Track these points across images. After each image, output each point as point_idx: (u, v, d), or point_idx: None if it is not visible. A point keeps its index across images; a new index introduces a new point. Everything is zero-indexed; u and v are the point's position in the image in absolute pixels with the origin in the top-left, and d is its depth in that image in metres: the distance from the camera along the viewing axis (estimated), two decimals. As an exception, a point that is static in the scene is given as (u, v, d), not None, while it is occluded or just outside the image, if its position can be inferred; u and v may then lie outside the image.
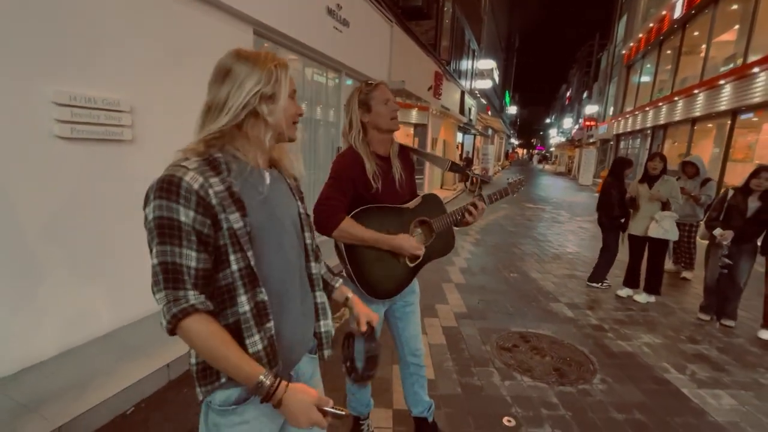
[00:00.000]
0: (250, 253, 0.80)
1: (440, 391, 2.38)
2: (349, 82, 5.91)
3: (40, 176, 2.18)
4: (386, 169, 1.55)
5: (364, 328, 1.07)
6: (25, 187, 2.13)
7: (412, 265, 1.59)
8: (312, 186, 5.09)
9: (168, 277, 0.73)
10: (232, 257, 0.79)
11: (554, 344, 3.05)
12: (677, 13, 13.29)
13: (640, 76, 18.38)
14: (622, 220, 4.22)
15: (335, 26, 4.97)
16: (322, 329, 1.03)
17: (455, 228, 1.73)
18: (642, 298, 4.09)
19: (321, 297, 1.04)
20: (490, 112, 25.45)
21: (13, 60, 2.01)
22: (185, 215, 0.74)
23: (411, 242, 1.50)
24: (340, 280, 1.14)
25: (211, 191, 0.76)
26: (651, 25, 16.06)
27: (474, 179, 14.46)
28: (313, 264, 1.01)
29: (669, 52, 14.94)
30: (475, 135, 21.35)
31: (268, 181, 0.89)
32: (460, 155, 19.84)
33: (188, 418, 2.04)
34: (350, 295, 1.12)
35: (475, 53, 19.26)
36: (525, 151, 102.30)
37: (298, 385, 0.79)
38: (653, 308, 3.92)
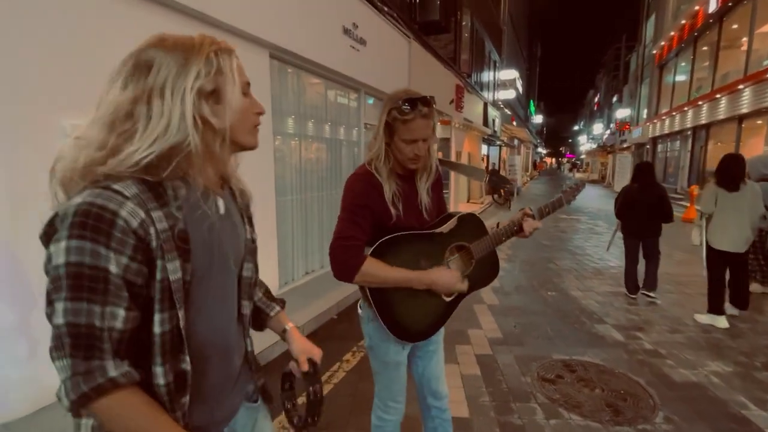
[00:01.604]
0: (181, 313, 0.64)
1: (476, 432, 2.12)
2: (371, 101, 5.87)
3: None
4: (408, 188, 1.36)
5: (305, 366, 0.90)
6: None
7: (449, 299, 1.38)
8: (334, 207, 5.00)
9: (79, 343, 0.55)
10: (156, 317, 0.62)
11: (604, 374, 2.71)
12: (712, 7, 12.61)
13: (674, 76, 17.53)
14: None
15: (352, 45, 4.95)
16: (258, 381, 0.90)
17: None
18: (722, 322, 3.46)
19: (250, 344, 0.88)
20: (515, 123, 24.96)
21: (37, 98, 2.03)
22: (116, 264, 0.56)
23: (450, 276, 1.29)
24: (277, 308, 0.97)
25: (152, 230, 0.59)
26: (683, 21, 15.35)
27: (503, 191, 14.07)
28: (245, 303, 0.83)
29: (705, 48, 14.18)
30: (500, 146, 20.92)
31: (222, 209, 0.74)
32: (486, 167, 19.47)
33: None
34: (288, 326, 0.95)
35: (497, 64, 19.05)
36: (554, 159, 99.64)
37: None
38: (716, 329, 3.46)
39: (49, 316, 0.56)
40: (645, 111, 22.16)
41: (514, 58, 25.63)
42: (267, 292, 0.98)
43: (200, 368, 0.70)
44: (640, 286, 4.24)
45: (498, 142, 19.93)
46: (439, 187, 1.48)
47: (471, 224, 1.44)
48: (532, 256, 6.39)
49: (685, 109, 14.81)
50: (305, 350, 0.92)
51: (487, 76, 17.01)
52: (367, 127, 5.80)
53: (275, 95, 3.86)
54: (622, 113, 29.43)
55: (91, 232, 0.54)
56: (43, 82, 2.09)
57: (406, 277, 1.24)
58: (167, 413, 0.63)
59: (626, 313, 3.86)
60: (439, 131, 10.27)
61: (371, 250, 1.26)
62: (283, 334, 0.95)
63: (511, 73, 21.74)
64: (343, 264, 1.19)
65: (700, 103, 13.37)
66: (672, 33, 16.79)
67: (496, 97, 19.29)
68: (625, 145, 26.65)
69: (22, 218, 2.01)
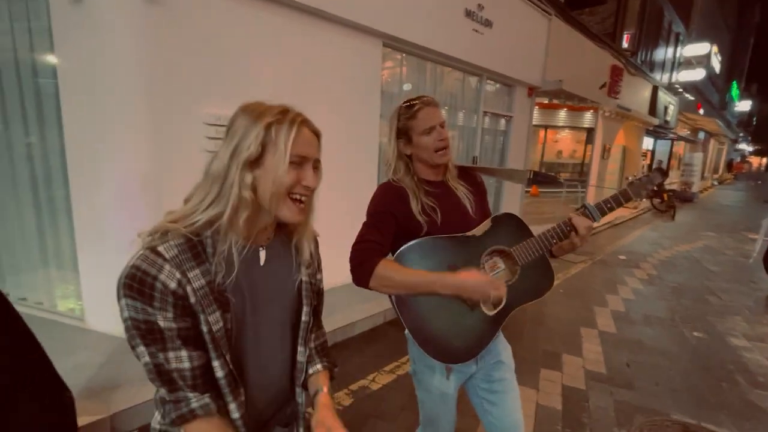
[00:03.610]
0: (228, 357, 0.72)
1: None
2: (491, 86, 5.47)
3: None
4: (445, 194, 1.22)
5: None
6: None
7: (491, 313, 1.15)
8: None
9: (163, 379, 0.67)
10: (215, 363, 0.70)
11: (748, 460, 1.99)
12: None
13: None
14: None
15: (475, 29, 4.64)
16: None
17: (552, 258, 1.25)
18: None
19: (300, 394, 0.88)
20: (701, 111, 19.74)
21: (182, 89, 2.54)
22: (163, 319, 0.65)
23: (480, 278, 1.05)
24: (318, 366, 0.91)
25: (189, 288, 0.67)
26: None
27: (665, 195, 11.41)
28: (301, 349, 0.85)
29: None
30: (673, 140, 16.96)
31: (262, 261, 0.77)
32: (649, 165, 16.10)
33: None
34: (324, 389, 0.86)
35: (680, 37, 15.29)
36: (765, 160, 75.36)
37: None
38: None
39: (138, 357, 0.68)
40: None
41: (711, 29, 20.10)
42: (320, 346, 0.95)
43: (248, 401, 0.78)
44: None
45: (670, 135, 16.18)
46: (481, 193, 1.30)
47: (509, 225, 1.22)
48: (687, 281, 5.06)
49: None
50: (324, 424, 0.79)
51: (663, 53, 13.84)
52: (486, 114, 5.44)
53: (386, 80, 3.94)
54: None
55: (137, 294, 0.64)
56: (189, 80, 2.58)
57: (427, 280, 1.06)
58: None
59: (819, 385, 2.73)
60: (590, 120, 8.79)
61: (395, 255, 1.16)
62: (314, 396, 0.87)
63: (701, 48, 17.14)
64: (359, 267, 1.10)
65: None
66: None
67: (674, 79, 15.60)
68: None
69: (167, 171, 2.49)
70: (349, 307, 3.18)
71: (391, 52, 3.95)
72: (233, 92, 2.74)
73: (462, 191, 1.24)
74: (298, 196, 0.74)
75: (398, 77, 4.25)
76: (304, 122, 0.75)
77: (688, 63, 16.84)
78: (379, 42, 3.71)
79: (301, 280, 0.85)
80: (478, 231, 1.19)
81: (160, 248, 0.66)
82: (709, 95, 22.93)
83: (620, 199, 1.19)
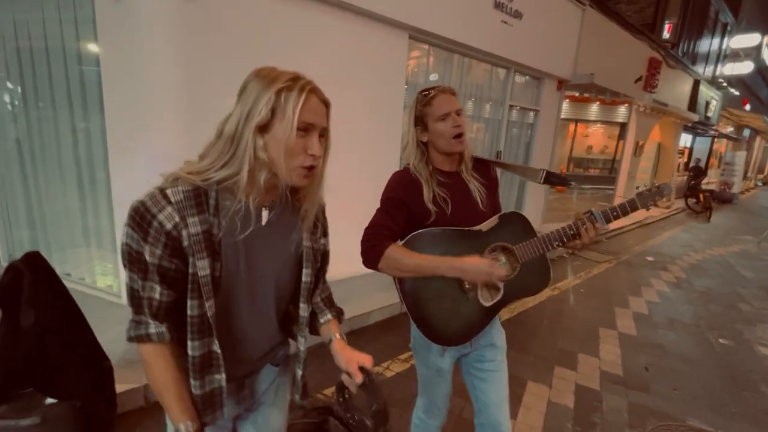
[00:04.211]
0: (208, 303, 0.75)
1: (539, 468, 1.87)
2: (519, 79, 5.35)
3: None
4: (457, 185, 1.26)
5: (359, 377, 0.83)
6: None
7: (487, 304, 1.24)
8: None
9: (133, 301, 0.75)
10: (188, 302, 0.75)
11: (766, 471, 1.95)
12: None
13: None
14: None
15: (504, 20, 4.54)
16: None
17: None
18: None
19: (303, 343, 0.94)
20: (748, 106, 18.54)
21: (215, 81, 2.63)
22: (150, 254, 0.71)
23: (481, 262, 1.12)
24: (329, 316, 0.98)
25: (185, 232, 0.72)
26: None
27: (701, 195, 10.89)
28: (303, 305, 0.90)
29: None
30: (713, 137, 16.08)
31: (264, 220, 0.82)
32: (686, 164, 15.34)
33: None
34: (335, 336, 0.93)
35: (728, 27, 14.34)
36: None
37: None
38: None
39: (125, 278, 0.76)
40: None
41: (763, 18, 18.71)
42: (326, 298, 1.01)
43: (228, 352, 0.83)
44: None
45: (711, 132, 15.33)
46: (494, 187, 1.34)
47: (515, 224, 1.26)
48: (717, 287, 4.87)
49: None
50: (352, 359, 0.86)
51: (708, 44, 13.04)
52: (513, 108, 5.34)
53: (412, 71, 3.94)
54: None
55: (136, 226, 0.71)
56: (222, 72, 2.67)
57: (434, 263, 1.15)
58: (182, 376, 0.78)
59: None
60: (624, 115, 8.38)
61: (402, 242, 1.23)
62: (329, 343, 0.93)
63: (751, 39, 15.99)
64: (369, 250, 1.18)
65: None
66: None
67: (718, 72, 14.71)
68: None
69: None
70: (366, 297, 3.27)
71: (418, 42, 3.94)
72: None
73: (474, 184, 1.28)
74: (305, 164, 0.77)
75: (425, 68, 4.24)
76: (313, 90, 0.76)
77: (735, 55, 15.79)
78: (405, 34, 3.70)
79: (302, 243, 0.88)
80: (484, 227, 1.24)
81: (168, 191, 0.71)
82: (757, 90, 21.45)
83: (627, 208, 1.21)
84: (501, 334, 1.39)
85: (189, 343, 0.77)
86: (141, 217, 0.70)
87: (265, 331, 0.90)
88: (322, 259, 0.96)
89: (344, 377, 0.87)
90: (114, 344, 2.22)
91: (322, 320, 0.98)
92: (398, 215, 1.21)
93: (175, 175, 0.74)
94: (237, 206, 0.76)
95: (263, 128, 0.73)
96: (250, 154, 0.72)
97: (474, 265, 1.11)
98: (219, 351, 0.79)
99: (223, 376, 0.81)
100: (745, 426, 2.28)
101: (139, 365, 0.77)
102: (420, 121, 1.24)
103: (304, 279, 0.89)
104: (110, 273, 2.99)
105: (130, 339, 0.76)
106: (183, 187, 0.72)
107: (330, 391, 2.32)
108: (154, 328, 0.74)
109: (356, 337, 2.96)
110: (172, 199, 0.71)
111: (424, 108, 1.22)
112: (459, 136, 1.21)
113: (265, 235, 0.82)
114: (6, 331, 1.49)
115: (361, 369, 0.84)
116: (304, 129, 0.75)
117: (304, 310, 0.91)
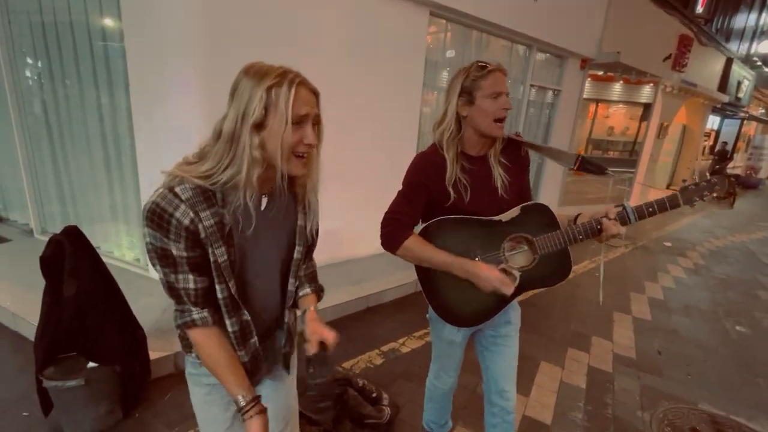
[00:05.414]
0: (231, 282, 0.83)
1: (550, 444, 1.94)
2: (541, 56, 5.18)
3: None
4: (480, 172, 1.25)
5: (313, 349, 0.89)
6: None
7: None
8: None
9: (172, 293, 0.81)
10: (217, 287, 0.82)
11: (776, 455, 1.98)
12: None
13: None
14: None
15: (528, -6, 4.37)
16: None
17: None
18: None
19: (288, 315, 1.03)
20: (782, 87, 17.60)
21: (237, 57, 2.63)
22: (176, 248, 0.77)
23: (491, 275, 1.15)
24: (307, 290, 1.04)
25: (200, 226, 0.77)
26: None
27: (728, 179, 10.51)
28: (291, 280, 0.98)
29: None
30: (742, 120, 15.39)
31: (263, 206, 0.87)
32: (711, 147, 14.80)
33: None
34: (309, 308, 0.98)
35: (767, 1, 13.46)
36: None
37: (263, 418, 0.84)
38: None
39: (158, 273, 0.82)
40: None
41: (809, -9, 17.44)
42: (310, 274, 1.07)
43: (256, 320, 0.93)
44: None
45: (741, 114, 14.68)
46: (522, 168, 1.32)
47: (538, 216, 1.25)
48: (737, 274, 4.80)
49: None
50: (316, 332, 0.91)
51: (744, 20, 12.30)
52: (533, 87, 5.20)
53: (429, 47, 3.85)
54: None
55: (156, 226, 0.75)
56: (245, 49, 2.66)
57: (446, 262, 1.19)
58: (232, 353, 0.86)
59: None
60: (649, 95, 8.05)
61: (420, 229, 1.25)
62: (302, 314, 0.98)
63: (792, 14, 15.02)
64: (389, 236, 1.23)
65: None
66: None
67: (752, 51, 13.93)
68: None
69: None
70: (383, 275, 3.33)
71: (436, 18, 3.83)
72: (287, 61, 2.81)
73: (498, 170, 1.26)
74: (301, 153, 0.81)
75: (442, 43, 4.14)
76: (302, 83, 0.79)
77: (773, 32, 14.88)
78: (426, 11, 3.60)
79: (297, 224, 0.95)
80: (504, 217, 1.24)
81: (177, 189, 0.75)
82: (794, 69, 20.27)
83: (666, 205, 1.17)
84: (517, 312, 1.43)
85: (227, 321, 0.85)
86: (159, 217, 0.74)
87: (275, 297, 0.99)
88: (312, 238, 1.02)
89: (307, 346, 0.92)
90: (144, 314, 2.34)
91: (301, 293, 1.04)
92: (418, 200, 1.23)
93: (178, 174, 0.77)
94: (237, 202, 0.80)
95: (259, 126, 0.75)
96: (248, 153, 0.75)
97: (486, 276, 1.15)
98: (249, 318, 0.89)
99: (256, 338, 0.91)
100: (758, 413, 2.30)
101: (169, 334, 0.84)
102: (467, 93, 1.18)
103: (295, 256, 0.96)
104: (137, 247, 3.10)
105: (179, 326, 0.83)
106: (189, 185, 0.77)
107: (349, 363, 2.42)
108: (197, 314, 0.81)
109: (372, 314, 3.04)
110: (183, 197, 0.75)
111: (477, 80, 1.16)
112: (502, 120, 1.19)
113: (265, 219, 0.88)
114: (50, 300, 1.58)
115: (321, 343, 0.90)
116: (299, 122, 0.78)
117: (291, 284, 0.98)
